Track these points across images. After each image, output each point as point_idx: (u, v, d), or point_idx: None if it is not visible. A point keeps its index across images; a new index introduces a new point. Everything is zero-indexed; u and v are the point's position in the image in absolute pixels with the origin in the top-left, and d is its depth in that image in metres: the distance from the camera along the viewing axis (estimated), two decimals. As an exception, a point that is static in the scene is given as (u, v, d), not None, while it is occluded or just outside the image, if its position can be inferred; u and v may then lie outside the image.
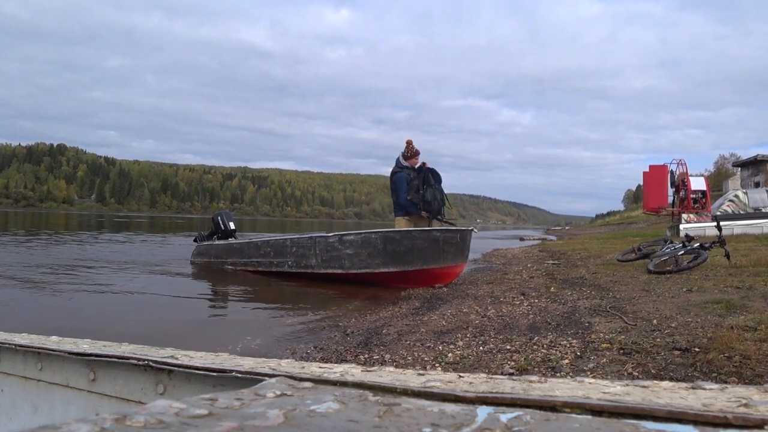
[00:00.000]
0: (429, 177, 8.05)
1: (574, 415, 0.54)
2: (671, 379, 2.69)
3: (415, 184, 8.01)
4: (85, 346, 1.20)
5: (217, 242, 10.85)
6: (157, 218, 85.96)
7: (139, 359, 1.01)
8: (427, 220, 8.11)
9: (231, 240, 10.92)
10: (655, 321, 4.01)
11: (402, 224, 8.12)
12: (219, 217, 11.42)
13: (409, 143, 8.24)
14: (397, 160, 8.25)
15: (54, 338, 1.35)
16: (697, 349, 3.10)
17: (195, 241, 11.65)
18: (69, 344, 1.23)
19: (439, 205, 8.04)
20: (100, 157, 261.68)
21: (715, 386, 0.62)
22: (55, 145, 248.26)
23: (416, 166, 8.17)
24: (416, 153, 8.16)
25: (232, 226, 11.25)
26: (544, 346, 3.57)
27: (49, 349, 1.21)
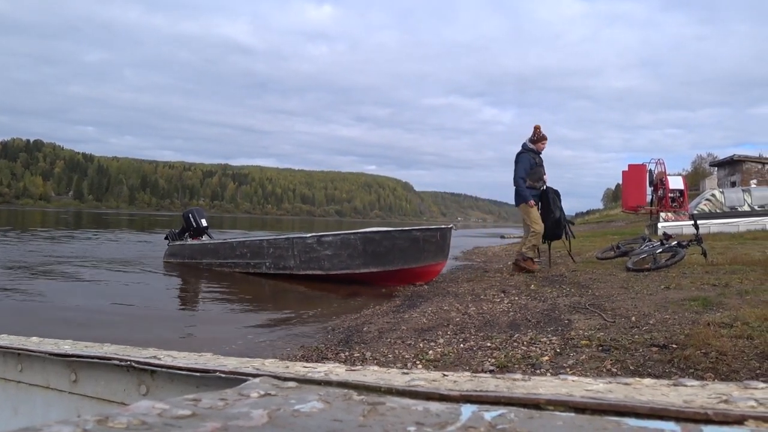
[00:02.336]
0: (555, 199, 8.04)
1: (557, 413, 0.54)
2: (650, 375, 2.73)
3: (537, 169, 8.01)
4: (66, 347, 1.18)
5: (190, 242, 10.47)
6: (136, 215, 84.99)
7: (121, 360, 1.00)
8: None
9: (205, 240, 10.57)
10: (633, 318, 4.06)
11: (529, 209, 7.89)
12: (190, 214, 11.04)
13: (537, 128, 8.19)
14: (524, 144, 8.18)
15: (34, 339, 1.33)
16: (674, 346, 3.14)
17: (166, 239, 11.15)
18: (50, 345, 1.21)
19: (561, 230, 8.12)
20: (78, 153, 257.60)
21: (695, 383, 0.63)
22: (31, 140, 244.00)
23: (540, 187, 8.07)
24: (543, 137, 8.14)
25: (204, 223, 10.91)
26: (524, 343, 3.59)
27: (30, 350, 1.20)
